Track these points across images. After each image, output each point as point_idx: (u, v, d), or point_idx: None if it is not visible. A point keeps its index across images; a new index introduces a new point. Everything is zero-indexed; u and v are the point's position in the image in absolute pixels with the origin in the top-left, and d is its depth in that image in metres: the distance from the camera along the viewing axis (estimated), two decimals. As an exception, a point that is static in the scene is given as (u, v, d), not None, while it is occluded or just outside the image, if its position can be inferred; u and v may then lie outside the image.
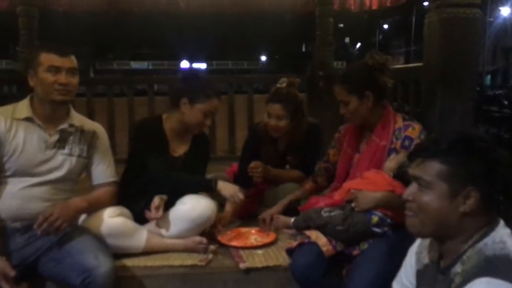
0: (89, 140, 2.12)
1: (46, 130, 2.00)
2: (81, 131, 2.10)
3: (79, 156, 2.07)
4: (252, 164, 2.63)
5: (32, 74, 1.97)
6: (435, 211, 1.21)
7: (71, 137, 2.06)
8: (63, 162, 2.03)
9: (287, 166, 2.87)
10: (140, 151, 2.32)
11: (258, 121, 2.99)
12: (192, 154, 2.44)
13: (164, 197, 2.24)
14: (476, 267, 1.15)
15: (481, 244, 1.18)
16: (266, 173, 2.68)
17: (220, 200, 2.43)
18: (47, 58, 1.94)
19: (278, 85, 2.74)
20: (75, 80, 2.00)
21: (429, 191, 1.21)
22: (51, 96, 1.95)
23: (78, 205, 1.98)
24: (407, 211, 1.28)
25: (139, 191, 2.29)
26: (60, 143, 2.03)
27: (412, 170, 1.26)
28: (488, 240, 1.18)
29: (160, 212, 2.17)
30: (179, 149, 2.42)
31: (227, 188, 2.30)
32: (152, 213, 2.16)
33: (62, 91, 1.95)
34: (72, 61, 1.99)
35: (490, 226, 1.21)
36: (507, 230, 1.21)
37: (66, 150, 2.04)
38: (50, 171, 2.00)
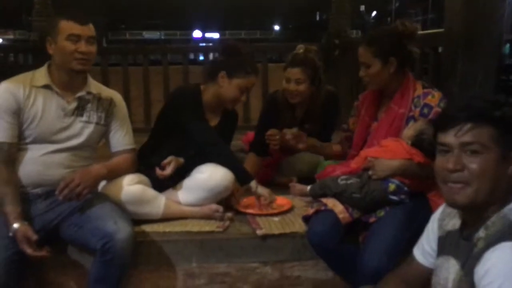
0: (106, 107, 2.12)
1: (64, 97, 2.01)
2: (99, 98, 2.11)
3: (97, 123, 2.08)
4: (270, 131, 2.61)
5: (51, 42, 1.97)
6: (492, 175, 1.19)
7: (89, 105, 2.07)
8: (81, 129, 2.04)
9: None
10: (182, 116, 2.29)
11: (275, 90, 2.96)
12: (222, 128, 2.44)
13: (181, 160, 2.25)
14: (500, 231, 1.15)
15: (505, 210, 1.19)
16: (302, 140, 2.53)
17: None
18: (67, 26, 1.93)
19: (295, 51, 2.71)
20: (94, 48, 1.99)
21: (485, 155, 1.19)
22: (70, 65, 1.95)
23: (98, 171, 2.01)
24: (454, 183, 1.22)
25: (162, 159, 2.27)
26: (79, 111, 2.04)
27: (459, 138, 1.21)
28: None
29: (169, 171, 2.18)
30: (211, 122, 2.42)
31: (262, 189, 2.29)
32: (161, 171, 2.18)
33: (82, 60, 1.94)
34: (91, 29, 1.98)
35: None
36: None
37: (84, 118, 2.05)
38: (69, 138, 2.01)
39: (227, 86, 2.32)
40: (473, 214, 1.25)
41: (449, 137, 1.22)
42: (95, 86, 2.13)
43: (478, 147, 1.19)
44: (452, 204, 1.27)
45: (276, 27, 45.07)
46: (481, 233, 1.20)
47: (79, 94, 2.04)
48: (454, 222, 1.35)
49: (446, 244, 1.35)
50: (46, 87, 1.98)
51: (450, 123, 1.23)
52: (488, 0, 2.08)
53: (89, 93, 2.07)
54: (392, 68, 2.07)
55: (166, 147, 2.32)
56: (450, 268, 1.28)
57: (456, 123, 1.21)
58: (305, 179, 2.49)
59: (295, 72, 2.60)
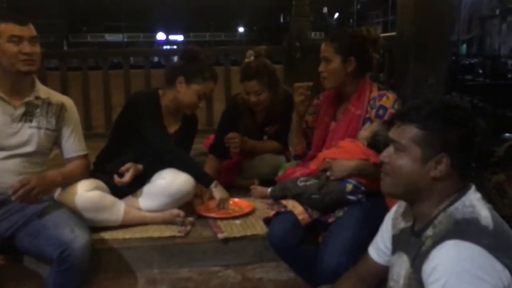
0: (57, 112, 2.08)
1: (10, 103, 1.96)
2: (48, 103, 2.06)
3: (47, 129, 2.04)
4: (230, 135, 2.63)
5: None
6: (406, 173, 1.26)
7: (38, 110, 2.03)
8: (31, 135, 1.99)
9: (265, 137, 2.88)
10: (139, 122, 2.27)
11: (236, 93, 2.98)
12: (182, 133, 2.44)
13: (140, 166, 2.24)
14: (446, 230, 1.19)
15: (452, 208, 1.23)
16: (244, 144, 2.68)
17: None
18: (7, 28, 1.89)
19: (246, 60, 2.71)
20: (37, 48, 1.95)
21: (403, 154, 1.25)
22: (16, 67, 1.90)
23: (53, 177, 1.98)
24: (382, 172, 1.33)
25: (127, 162, 2.25)
26: (27, 116, 2.00)
27: (391, 133, 1.30)
28: (458, 204, 1.23)
29: (128, 178, 2.16)
30: (170, 128, 2.40)
31: (221, 192, 2.28)
32: (119, 178, 2.16)
33: (27, 61, 1.90)
34: (31, 29, 1.94)
35: (462, 191, 1.25)
36: (477, 195, 1.25)
37: (34, 123, 2.01)
38: (19, 144, 1.97)
39: (185, 91, 2.32)
40: (419, 211, 1.30)
41: (390, 132, 1.32)
42: (44, 91, 2.08)
43: (399, 145, 1.27)
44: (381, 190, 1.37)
45: (241, 29, 45.15)
46: (429, 231, 1.24)
47: (27, 99, 2.00)
48: (407, 220, 1.40)
49: (399, 242, 1.40)
50: None
51: (393, 119, 1.34)
52: (438, 5, 2.15)
53: (37, 98, 2.03)
54: (350, 68, 2.12)
55: (125, 153, 2.30)
56: (402, 264, 1.33)
57: (394, 120, 1.32)
58: (268, 182, 2.50)
59: (252, 85, 2.61)
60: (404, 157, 1.25)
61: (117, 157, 2.30)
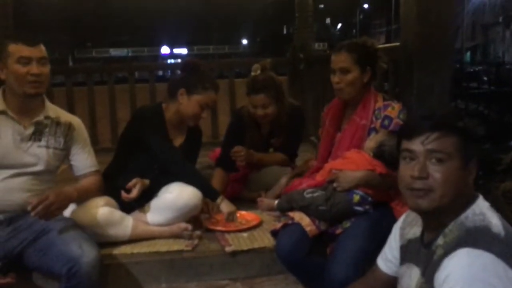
0: (65, 132, 2.09)
1: (20, 122, 1.98)
2: (57, 123, 2.08)
3: (55, 148, 2.05)
4: (235, 148, 2.64)
5: (2, 67, 1.93)
6: (455, 182, 1.23)
7: (47, 129, 2.04)
8: (40, 154, 2.01)
9: (271, 150, 2.89)
10: (145, 136, 2.30)
11: (241, 106, 2.99)
12: (187, 146, 2.45)
13: (146, 181, 2.25)
14: (457, 238, 1.19)
15: (462, 217, 1.23)
16: (249, 157, 2.69)
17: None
18: (16, 49, 1.90)
19: (252, 73, 2.73)
20: (46, 69, 1.96)
21: (449, 163, 1.23)
22: (24, 89, 1.92)
23: (70, 193, 1.97)
24: (417, 191, 1.26)
25: (128, 181, 2.26)
26: (36, 136, 2.01)
27: (426, 145, 1.25)
28: (469, 212, 1.23)
29: (135, 193, 2.17)
30: (176, 141, 2.42)
31: (227, 206, 2.33)
32: (126, 194, 2.17)
33: (35, 83, 1.92)
34: (41, 50, 1.96)
35: (471, 200, 1.26)
36: (486, 203, 1.26)
37: (42, 143, 2.02)
38: (28, 164, 1.98)
39: (186, 103, 2.34)
40: (433, 221, 1.29)
41: (415, 145, 1.26)
42: (53, 110, 2.10)
43: (443, 156, 1.23)
44: (416, 208, 1.30)
45: (244, 41, 45.39)
46: (440, 240, 1.24)
47: (36, 119, 2.01)
48: (415, 231, 1.40)
49: (408, 252, 1.39)
50: (1, 113, 1.95)
51: (416, 131, 1.27)
52: (441, 14, 2.16)
53: (47, 117, 2.04)
54: (366, 78, 2.13)
55: (131, 168, 2.32)
56: (412, 276, 1.32)
57: (422, 132, 1.26)
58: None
59: (260, 99, 2.62)
60: (450, 166, 1.23)
61: (124, 172, 2.32)
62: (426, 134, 1.25)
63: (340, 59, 2.13)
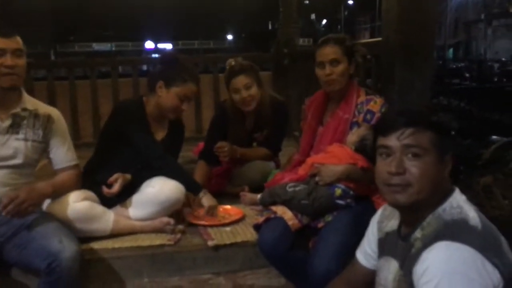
0: (44, 124, 2.06)
1: None
2: (35, 115, 2.05)
3: (34, 140, 2.02)
4: (219, 144, 2.64)
5: None
6: (432, 176, 1.24)
7: (25, 122, 2.01)
8: (18, 147, 1.98)
9: (255, 144, 2.89)
10: (126, 131, 2.27)
11: (224, 99, 2.98)
12: (169, 140, 2.44)
13: (128, 176, 2.23)
14: (435, 231, 1.20)
15: (439, 210, 1.24)
16: (233, 153, 2.68)
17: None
18: None
19: (227, 66, 2.74)
20: (21, 61, 1.92)
21: (425, 158, 1.24)
22: None
23: (43, 189, 1.95)
24: (394, 186, 1.26)
25: (116, 172, 2.25)
26: (14, 128, 1.98)
27: (401, 141, 1.25)
28: (446, 205, 1.24)
29: (116, 188, 2.16)
30: (157, 135, 2.41)
31: (209, 200, 2.33)
32: (108, 189, 2.15)
33: (10, 75, 1.88)
34: (17, 42, 1.92)
35: (448, 193, 1.27)
36: (463, 197, 1.28)
37: (20, 135, 1.99)
38: (6, 157, 1.95)
39: (165, 96, 2.32)
40: (411, 215, 1.30)
41: (391, 141, 1.27)
42: (30, 102, 2.07)
43: (419, 150, 1.24)
44: (394, 204, 1.31)
45: (229, 37, 45.26)
46: (418, 233, 1.25)
47: (14, 111, 1.98)
48: (392, 224, 1.41)
49: (386, 246, 1.41)
50: None
51: (391, 127, 1.28)
52: (422, 10, 2.18)
53: (24, 109, 2.01)
54: (352, 69, 2.15)
55: (112, 163, 2.29)
56: (390, 268, 1.33)
57: (397, 127, 1.26)
58: (257, 188, 2.51)
59: (241, 79, 2.63)
60: (427, 160, 1.24)
61: (105, 166, 2.30)
62: (401, 130, 1.25)
63: (330, 51, 2.14)
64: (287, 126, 2.99)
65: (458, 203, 1.24)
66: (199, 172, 2.71)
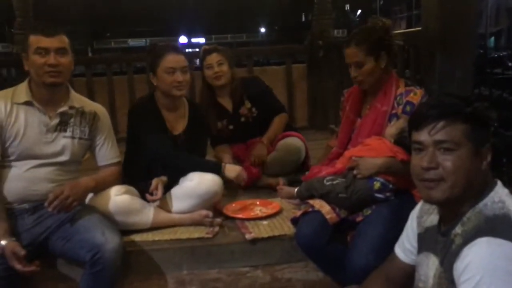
0: (90, 121, 2.12)
1: (46, 113, 2.00)
2: (82, 112, 2.10)
3: (80, 138, 2.08)
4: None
5: (25, 58, 1.96)
6: (466, 171, 1.20)
7: (72, 119, 2.06)
8: (65, 145, 2.03)
9: (243, 119, 2.98)
10: (139, 132, 2.33)
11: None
12: (191, 130, 2.45)
13: (164, 178, 2.27)
14: (476, 227, 1.17)
15: (480, 205, 1.20)
16: (262, 151, 2.80)
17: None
18: (35, 40, 1.93)
19: (202, 48, 2.99)
20: (65, 59, 1.97)
21: (459, 151, 1.21)
22: (42, 79, 1.94)
23: (87, 184, 2.01)
24: (428, 182, 1.24)
25: (144, 170, 2.32)
26: (62, 126, 2.03)
27: (433, 136, 1.22)
28: (487, 200, 1.20)
29: (159, 194, 2.19)
30: (178, 126, 2.42)
31: (232, 170, 2.35)
32: (150, 196, 2.19)
33: (53, 73, 1.93)
34: (61, 40, 1.96)
35: (489, 187, 1.23)
36: (505, 190, 1.23)
37: (68, 133, 2.04)
38: (53, 154, 2.00)
39: (158, 81, 2.34)
40: (449, 210, 1.27)
41: (423, 135, 1.24)
42: (78, 100, 2.12)
43: (451, 145, 1.21)
44: (428, 200, 1.29)
45: (262, 30, 45.14)
46: (458, 229, 1.22)
47: (61, 109, 2.03)
48: (432, 219, 1.38)
49: (425, 241, 1.38)
50: (27, 103, 1.97)
51: (423, 122, 1.24)
52: (462, 0, 2.11)
53: (71, 107, 2.06)
54: (383, 63, 2.09)
55: (143, 158, 2.34)
56: (430, 264, 1.30)
57: (428, 122, 1.23)
58: (293, 181, 2.52)
59: (214, 57, 2.85)
60: (460, 154, 1.21)
61: (137, 161, 2.35)
62: (432, 124, 1.22)
63: (352, 54, 2.10)
64: (270, 91, 3.11)
65: (501, 198, 1.20)
66: (225, 152, 2.88)
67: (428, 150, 1.23)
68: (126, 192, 2.17)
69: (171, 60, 2.31)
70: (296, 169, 2.84)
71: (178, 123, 2.43)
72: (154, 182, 2.21)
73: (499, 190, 1.23)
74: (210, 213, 2.25)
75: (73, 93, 2.11)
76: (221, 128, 2.97)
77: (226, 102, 2.99)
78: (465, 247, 1.14)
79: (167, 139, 2.35)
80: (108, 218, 2.04)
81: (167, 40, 40.86)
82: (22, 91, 1.99)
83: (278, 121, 2.98)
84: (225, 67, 2.86)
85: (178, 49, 2.39)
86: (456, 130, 1.21)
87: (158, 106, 2.40)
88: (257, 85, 3.04)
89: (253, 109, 2.96)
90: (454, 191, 1.21)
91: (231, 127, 2.98)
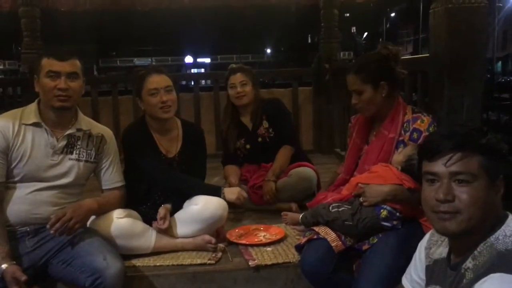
0: (97, 144, 2.11)
1: (53, 135, 1.99)
2: (89, 135, 2.09)
3: (86, 161, 2.07)
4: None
5: (36, 79, 1.98)
6: (482, 203, 1.18)
7: (79, 142, 2.05)
8: (71, 167, 2.02)
9: (260, 139, 2.98)
10: (133, 157, 2.31)
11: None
12: (186, 152, 2.41)
13: (168, 206, 2.25)
14: (489, 262, 1.13)
15: (492, 239, 1.17)
16: (271, 189, 2.78)
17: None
18: (47, 63, 1.94)
19: (229, 67, 3.05)
20: (75, 84, 1.97)
21: (475, 183, 1.19)
22: (51, 102, 1.95)
23: (90, 206, 1.99)
24: (443, 214, 1.21)
25: (144, 194, 2.31)
26: (68, 148, 2.02)
27: (449, 167, 1.20)
28: (499, 234, 1.17)
29: (167, 223, 2.18)
30: (172, 149, 2.39)
31: (231, 193, 2.33)
32: (159, 224, 2.18)
33: (62, 97, 1.93)
34: (73, 65, 1.97)
35: (500, 220, 1.20)
36: None
37: (74, 155, 2.03)
38: (58, 176, 1.99)
39: (145, 106, 2.33)
40: (461, 243, 1.24)
41: (438, 167, 1.22)
42: (85, 122, 2.11)
43: (469, 177, 1.19)
44: (443, 232, 1.25)
45: (268, 50, 45.51)
46: (469, 263, 1.18)
47: (69, 131, 2.02)
48: (441, 251, 1.34)
49: (434, 273, 1.34)
50: (35, 124, 1.97)
51: (437, 152, 1.22)
52: (470, 26, 2.10)
53: (79, 130, 2.05)
54: (384, 92, 2.08)
55: (141, 182, 2.32)
56: None
57: (444, 153, 1.21)
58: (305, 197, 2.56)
59: (238, 77, 2.92)
60: (476, 187, 1.18)
61: (139, 185, 2.32)
62: (448, 155, 1.20)
63: (350, 82, 2.13)
64: (287, 115, 3.13)
65: None
66: (232, 173, 2.91)
67: (443, 182, 1.21)
68: (128, 216, 2.14)
69: (153, 81, 2.30)
70: (307, 197, 2.78)
71: (171, 146, 2.40)
72: (161, 210, 2.20)
73: (511, 223, 1.19)
74: (213, 239, 2.22)
75: (81, 116, 2.10)
76: (239, 146, 3.01)
77: (247, 121, 3.04)
78: (476, 283, 1.11)
79: (162, 163, 2.33)
80: (109, 241, 2.01)
81: (173, 59, 41.33)
82: (31, 112, 1.99)
83: (283, 154, 2.95)
84: (248, 88, 2.92)
85: (160, 69, 2.39)
86: (473, 162, 1.19)
87: (149, 130, 2.38)
88: (277, 107, 3.05)
89: (270, 130, 2.98)
90: (470, 223, 1.19)
91: (248, 146, 3.00)
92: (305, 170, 2.87)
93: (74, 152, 2.04)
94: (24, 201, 1.93)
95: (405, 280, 1.50)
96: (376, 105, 2.10)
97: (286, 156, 2.95)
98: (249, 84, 2.92)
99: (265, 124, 2.98)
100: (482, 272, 1.12)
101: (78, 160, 2.04)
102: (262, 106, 2.99)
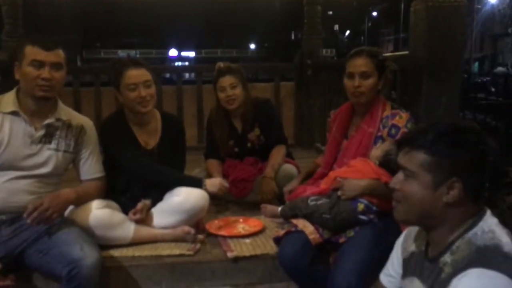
0: (76, 135, 2.08)
1: (31, 124, 1.97)
2: (68, 125, 2.07)
3: (65, 151, 2.04)
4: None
5: (17, 67, 1.94)
6: (418, 200, 1.22)
7: (58, 132, 2.03)
8: (49, 157, 2.00)
9: (249, 144, 2.94)
10: (112, 150, 2.29)
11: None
12: (165, 144, 2.39)
13: (148, 202, 2.24)
14: (467, 257, 1.15)
15: (470, 234, 1.19)
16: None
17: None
18: (31, 52, 1.90)
19: (216, 68, 2.87)
20: (59, 75, 1.95)
21: (414, 180, 1.22)
22: (33, 92, 1.92)
23: (67, 196, 1.97)
24: (394, 199, 1.29)
25: (123, 185, 2.29)
26: (47, 138, 2.00)
27: (399, 159, 1.27)
28: (477, 229, 1.19)
29: (139, 216, 2.18)
30: (150, 141, 2.37)
31: (213, 185, 2.32)
32: (131, 216, 2.18)
33: (44, 87, 1.91)
34: (57, 55, 1.94)
35: (478, 216, 1.22)
36: (495, 219, 1.22)
37: (52, 145, 2.01)
38: (36, 166, 1.97)
39: (123, 99, 2.29)
40: (434, 237, 1.26)
41: (398, 158, 1.29)
42: (65, 112, 2.09)
43: (408, 172, 1.24)
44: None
45: (252, 46, 45.48)
46: (447, 257, 1.20)
47: (48, 121, 2.00)
48: (419, 244, 1.37)
49: (410, 265, 1.36)
50: (13, 113, 1.94)
51: (400, 145, 1.29)
52: (449, 25, 2.14)
53: (58, 119, 2.03)
54: (381, 84, 2.12)
55: (121, 174, 2.30)
56: None
57: (402, 146, 1.28)
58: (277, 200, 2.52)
59: (227, 79, 2.77)
60: (414, 183, 1.22)
61: (119, 176, 2.30)
62: (404, 148, 1.26)
63: (362, 63, 2.12)
64: (278, 118, 3.12)
65: (490, 227, 1.18)
66: (215, 169, 2.83)
67: (400, 172, 1.28)
68: (107, 206, 2.13)
69: (131, 75, 2.25)
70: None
71: (150, 138, 2.38)
72: (139, 206, 2.20)
73: (488, 219, 1.21)
74: (193, 230, 2.22)
75: (61, 105, 2.08)
76: (227, 147, 2.94)
77: (237, 123, 2.94)
78: (455, 277, 1.12)
79: (141, 155, 2.31)
80: (87, 232, 1.99)
81: (158, 52, 41.00)
82: (9, 100, 1.96)
83: (277, 152, 2.90)
84: (238, 90, 2.78)
85: (139, 63, 2.33)
86: (415, 159, 1.22)
87: (127, 122, 2.35)
88: (268, 111, 2.97)
89: (261, 137, 2.92)
90: (409, 216, 1.27)
91: (236, 149, 2.94)
92: (287, 167, 2.86)
93: (53, 142, 2.01)
94: (1, 189, 1.91)
95: (383, 276, 1.52)
96: (373, 94, 2.13)
97: (281, 155, 2.90)
98: (239, 86, 2.78)
99: (257, 131, 2.91)
100: (461, 267, 1.13)
101: (56, 150, 2.01)
102: (253, 111, 2.88)
